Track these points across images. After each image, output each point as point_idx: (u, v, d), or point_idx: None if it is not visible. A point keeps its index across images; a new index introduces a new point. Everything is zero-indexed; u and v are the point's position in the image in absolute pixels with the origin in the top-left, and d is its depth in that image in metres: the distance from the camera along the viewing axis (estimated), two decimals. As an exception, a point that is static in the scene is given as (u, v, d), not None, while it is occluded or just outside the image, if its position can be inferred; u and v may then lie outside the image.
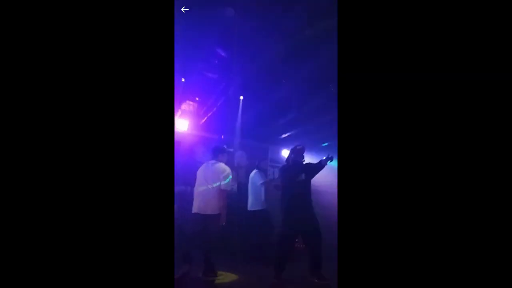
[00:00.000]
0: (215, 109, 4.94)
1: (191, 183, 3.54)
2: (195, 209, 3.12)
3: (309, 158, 3.61)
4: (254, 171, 4.23)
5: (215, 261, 3.09)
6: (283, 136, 5.92)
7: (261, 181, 4.09)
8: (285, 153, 6.32)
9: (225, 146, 3.46)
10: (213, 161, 3.28)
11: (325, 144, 6.15)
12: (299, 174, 3.28)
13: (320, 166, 3.40)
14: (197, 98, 5.18)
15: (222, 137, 5.76)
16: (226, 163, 3.30)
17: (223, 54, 4.13)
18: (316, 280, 3.08)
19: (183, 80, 3.06)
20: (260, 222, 4.08)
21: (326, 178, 4.49)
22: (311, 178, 3.37)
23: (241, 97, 4.42)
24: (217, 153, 3.32)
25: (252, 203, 4.11)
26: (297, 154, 3.42)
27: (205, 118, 5.24)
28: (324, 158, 3.41)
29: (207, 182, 3.15)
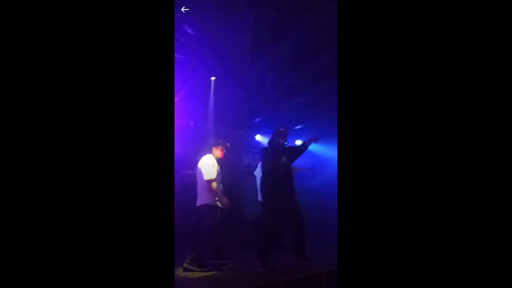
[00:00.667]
0: (182, 93, 4.56)
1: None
2: None
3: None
4: None
5: (203, 253, 3.08)
6: (257, 120, 5.71)
7: None
8: (259, 138, 6.15)
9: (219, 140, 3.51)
10: None
11: (298, 126, 6.05)
12: (281, 157, 3.23)
13: (303, 148, 3.34)
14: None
15: (192, 123, 5.40)
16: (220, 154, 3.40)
17: (190, 31, 3.76)
18: (301, 262, 3.14)
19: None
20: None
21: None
22: (292, 161, 3.31)
23: (213, 78, 4.11)
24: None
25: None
26: (280, 137, 3.33)
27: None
28: (307, 139, 3.32)
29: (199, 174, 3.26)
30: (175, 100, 4.72)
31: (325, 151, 6.44)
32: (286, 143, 3.38)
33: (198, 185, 3.35)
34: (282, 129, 3.40)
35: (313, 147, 6.53)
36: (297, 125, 6.05)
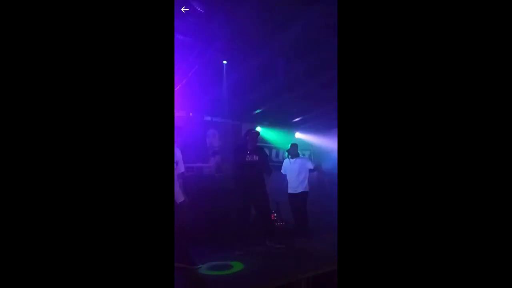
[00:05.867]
0: (184, 80, 4.20)
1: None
2: None
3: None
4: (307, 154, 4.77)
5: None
6: (256, 112, 5.45)
7: (312, 167, 4.61)
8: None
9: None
10: None
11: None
12: (252, 156, 3.78)
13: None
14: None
15: (191, 114, 5.04)
16: None
17: (200, 9, 3.42)
18: (273, 245, 3.68)
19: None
20: (306, 202, 4.58)
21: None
22: (264, 161, 3.89)
23: (225, 62, 3.82)
24: None
25: (298, 186, 4.57)
26: (251, 138, 3.83)
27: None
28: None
29: None
30: (176, 88, 4.35)
31: (323, 143, 6.40)
32: (257, 144, 3.90)
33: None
34: (253, 131, 3.92)
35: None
36: (296, 117, 5.89)
